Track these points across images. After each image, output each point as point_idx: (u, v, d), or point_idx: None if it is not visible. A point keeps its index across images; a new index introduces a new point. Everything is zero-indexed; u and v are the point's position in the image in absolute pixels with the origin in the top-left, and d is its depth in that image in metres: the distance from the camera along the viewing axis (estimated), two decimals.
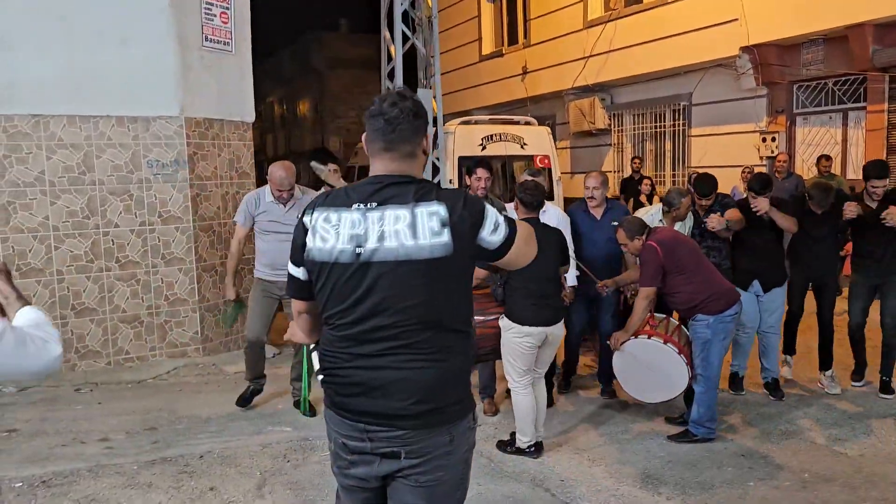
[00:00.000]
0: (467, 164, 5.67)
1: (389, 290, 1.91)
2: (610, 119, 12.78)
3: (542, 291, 4.22)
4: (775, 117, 10.16)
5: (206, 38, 6.18)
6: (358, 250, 1.93)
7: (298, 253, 2.07)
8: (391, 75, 7.49)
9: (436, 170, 7.49)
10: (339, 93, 25.17)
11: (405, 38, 7.30)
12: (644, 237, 4.61)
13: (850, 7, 8.42)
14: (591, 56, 12.24)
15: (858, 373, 5.55)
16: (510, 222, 2.01)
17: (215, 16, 6.24)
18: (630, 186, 10.80)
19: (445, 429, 1.97)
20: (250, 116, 6.68)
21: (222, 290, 5.69)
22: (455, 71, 16.14)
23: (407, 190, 1.95)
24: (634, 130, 12.63)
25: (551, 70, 13.35)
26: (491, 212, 1.98)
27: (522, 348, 4.22)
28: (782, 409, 5.11)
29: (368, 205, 1.95)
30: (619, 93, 12.67)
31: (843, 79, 9.23)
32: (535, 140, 10.12)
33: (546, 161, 10.24)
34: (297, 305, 2.20)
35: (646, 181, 10.36)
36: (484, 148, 9.78)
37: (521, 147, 10.05)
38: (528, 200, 4.37)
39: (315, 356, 2.31)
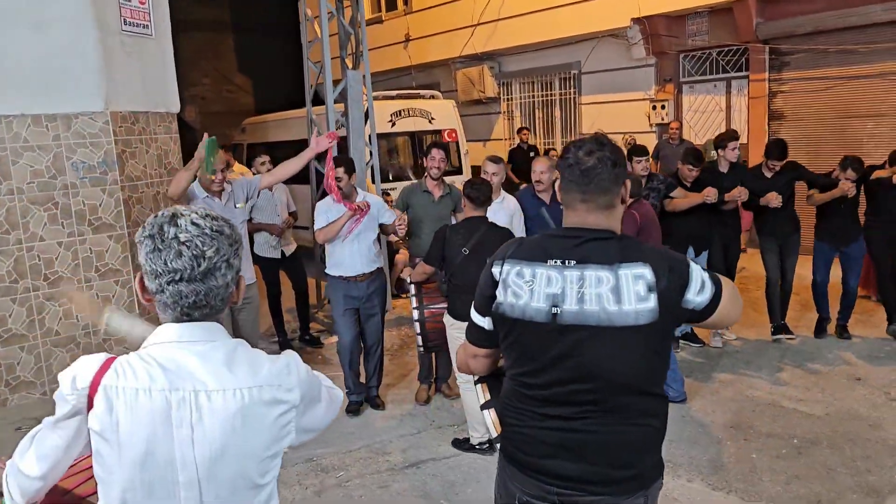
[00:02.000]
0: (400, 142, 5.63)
1: (589, 355, 1.81)
2: (499, 87, 12.89)
3: None
4: (664, 86, 10.70)
5: (125, 21, 5.51)
6: (554, 310, 1.82)
7: (486, 304, 1.97)
8: (315, 57, 7.07)
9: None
10: (192, 57, 23.41)
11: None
12: (629, 201, 4.75)
13: None
14: (479, 24, 12.22)
15: (776, 325, 6.20)
16: (714, 278, 1.91)
17: None
18: (519, 156, 11.03)
19: (641, 492, 1.92)
20: (175, 106, 6.06)
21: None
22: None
23: (608, 247, 1.84)
24: (522, 98, 12.84)
25: (437, 38, 13.20)
26: (696, 269, 1.87)
27: None
28: (736, 371, 5.55)
29: (567, 262, 1.84)
30: (507, 61, 12.78)
31: (727, 49, 9.85)
32: (442, 114, 10.07)
33: (454, 135, 10.22)
34: (474, 349, 2.10)
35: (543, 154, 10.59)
36: (393, 124, 9.60)
37: (430, 122, 9.96)
38: (475, 196, 4.32)
39: (480, 388, 2.21)
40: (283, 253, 6.35)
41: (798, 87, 9.27)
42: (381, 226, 4.98)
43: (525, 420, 1.92)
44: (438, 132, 10.01)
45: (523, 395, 1.93)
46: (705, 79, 10.33)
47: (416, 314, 4.65)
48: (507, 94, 12.98)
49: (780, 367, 5.62)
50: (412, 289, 4.70)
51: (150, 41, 5.75)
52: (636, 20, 10.20)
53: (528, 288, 1.85)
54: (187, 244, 1.38)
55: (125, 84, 5.49)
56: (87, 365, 1.35)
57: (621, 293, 1.78)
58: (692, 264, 1.89)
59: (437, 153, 5.32)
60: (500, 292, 1.90)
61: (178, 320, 1.43)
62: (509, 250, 1.94)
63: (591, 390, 1.83)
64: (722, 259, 5.99)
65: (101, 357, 1.37)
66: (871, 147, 8.46)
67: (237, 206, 4.56)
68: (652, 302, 1.78)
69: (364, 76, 7.01)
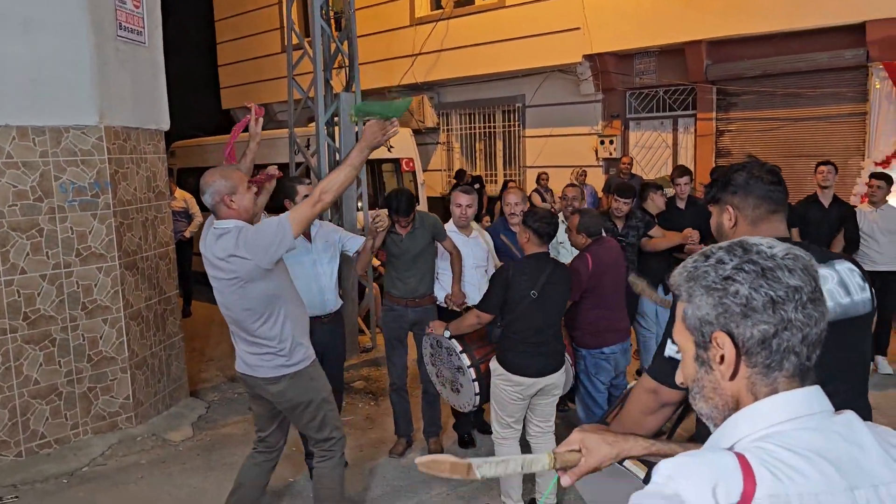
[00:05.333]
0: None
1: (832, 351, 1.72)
2: (438, 118, 12.73)
3: (539, 338, 3.76)
4: (610, 121, 10.91)
5: (120, 26, 4.88)
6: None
7: None
8: (307, 83, 6.62)
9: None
10: None
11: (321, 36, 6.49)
12: (588, 241, 4.32)
13: (688, 25, 9.29)
14: (420, 54, 12.05)
15: None
16: None
17: None
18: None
19: None
20: (165, 123, 5.40)
21: None
22: (254, 60, 14.91)
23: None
24: (462, 130, 12.74)
25: (374, 65, 12.86)
26: None
27: (510, 397, 3.80)
28: None
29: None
30: (446, 92, 12.67)
31: (674, 88, 10.19)
32: (400, 143, 9.72)
33: (411, 164, 9.96)
34: (669, 394, 1.87)
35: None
36: None
37: (388, 150, 9.55)
38: (544, 230, 3.75)
39: (631, 464, 1.99)
40: None
41: (745, 127, 9.69)
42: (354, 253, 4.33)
43: None
44: (397, 161, 9.71)
45: None
46: (652, 116, 10.62)
47: (465, 359, 4.09)
48: (447, 125, 12.85)
49: None
50: (454, 343, 4.11)
51: (143, 49, 5.12)
52: (587, 57, 10.37)
53: None
54: (789, 257, 1.04)
55: (118, 96, 4.84)
56: (724, 470, 0.92)
57: (848, 286, 1.86)
58: None
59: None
60: None
61: (794, 380, 1.03)
62: None
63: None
64: None
65: (730, 456, 0.94)
66: (813, 186, 8.93)
67: None
68: (867, 291, 1.91)
69: (356, 98, 6.62)
